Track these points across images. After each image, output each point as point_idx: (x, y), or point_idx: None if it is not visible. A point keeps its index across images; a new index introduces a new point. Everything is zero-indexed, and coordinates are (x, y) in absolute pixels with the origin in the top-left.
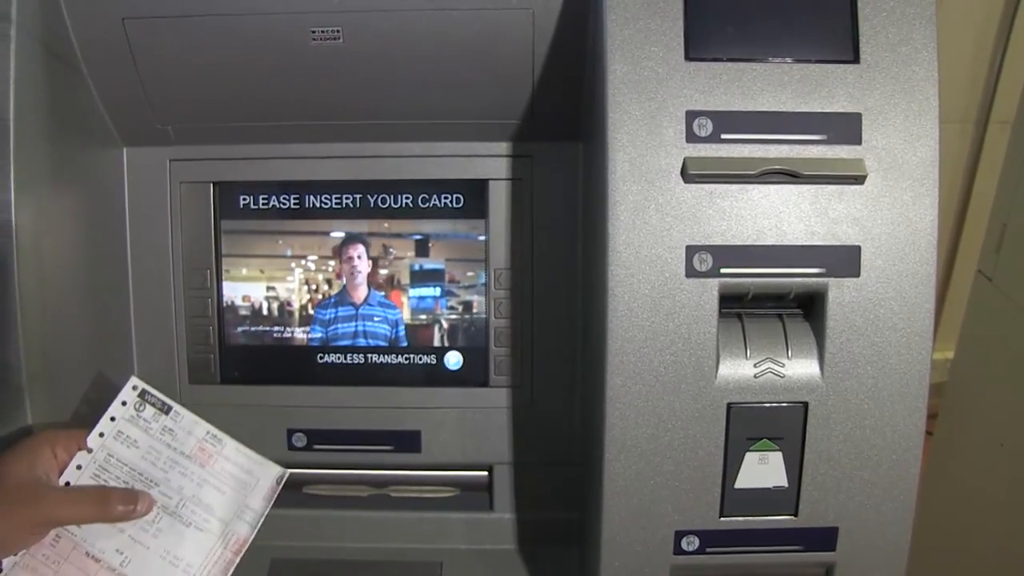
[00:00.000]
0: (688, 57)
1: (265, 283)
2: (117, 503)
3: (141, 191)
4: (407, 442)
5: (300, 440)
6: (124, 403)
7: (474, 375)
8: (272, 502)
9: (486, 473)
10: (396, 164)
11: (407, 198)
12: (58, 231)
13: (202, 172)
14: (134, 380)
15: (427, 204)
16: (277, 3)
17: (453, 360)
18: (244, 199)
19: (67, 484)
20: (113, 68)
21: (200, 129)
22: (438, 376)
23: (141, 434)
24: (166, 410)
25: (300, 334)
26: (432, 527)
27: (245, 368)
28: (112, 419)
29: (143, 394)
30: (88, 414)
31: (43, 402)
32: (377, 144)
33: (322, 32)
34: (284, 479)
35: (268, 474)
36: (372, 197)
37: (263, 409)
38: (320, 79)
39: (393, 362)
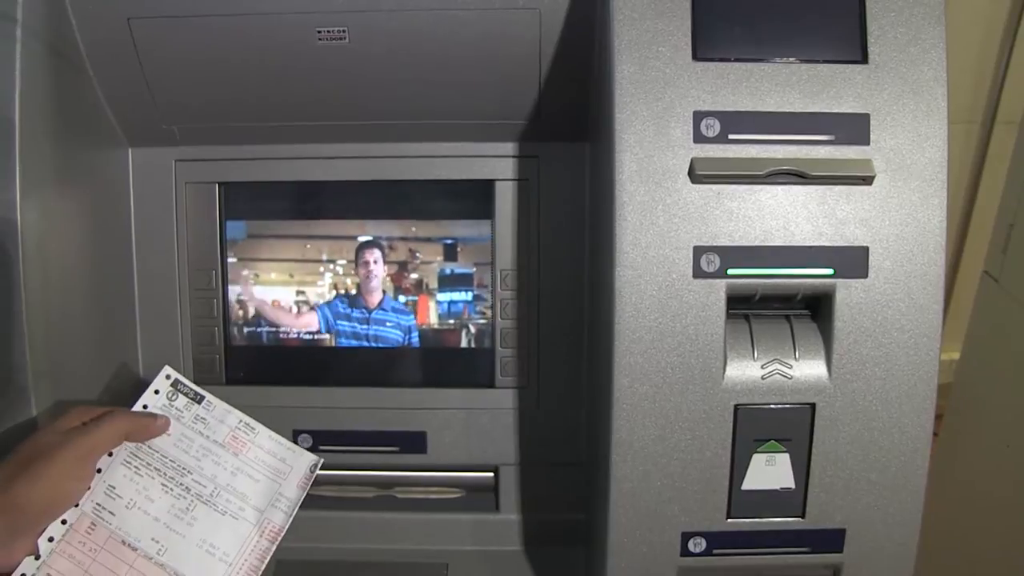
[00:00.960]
0: (696, 57)
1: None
2: (138, 416)
3: (146, 191)
4: (413, 443)
5: (306, 441)
6: (157, 392)
7: (480, 376)
8: (307, 490)
9: (492, 474)
10: (402, 164)
11: (413, 199)
12: (63, 231)
13: (208, 172)
14: (167, 369)
15: (433, 204)
16: (283, 3)
17: (459, 361)
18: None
19: (98, 471)
20: (118, 68)
21: (205, 129)
22: (444, 377)
23: (174, 423)
24: (198, 399)
25: (306, 335)
26: (438, 528)
27: (250, 369)
28: (144, 407)
29: (176, 383)
30: None
31: (48, 401)
32: (383, 145)
33: (328, 32)
34: (318, 467)
35: (302, 462)
36: (379, 198)
37: (268, 410)
38: (326, 79)
39: (399, 363)
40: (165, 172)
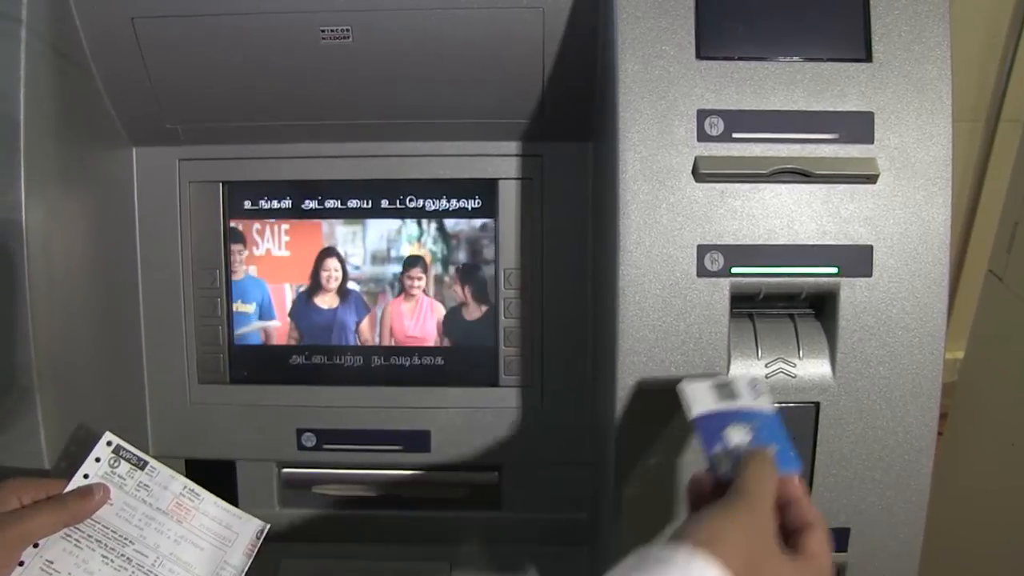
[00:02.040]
0: (699, 56)
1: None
2: (74, 500)
3: (150, 191)
4: (417, 442)
5: (309, 440)
6: (98, 459)
7: (484, 375)
8: (252, 557)
9: (496, 473)
10: (405, 163)
11: (416, 197)
12: (68, 231)
13: (211, 172)
14: (108, 436)
15: (437, 203)
16: (286, 2)
17: (462, 360)
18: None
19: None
20: (122, 67)
21: (210, 128)
22: (448, 376)
23: (116, 491)
24: (141, 465)
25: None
26: (441, 527)
27: (254, 368)
28: (85, 476)
29: (118, 449)
30: (98, 414)
31: (53, 402)
32: (386, 143)
33: (332, 31)
34: (264, 533)
35: (248, 528)
36: (381, 196)
37: (272, 409)
38: (329, 78)
39: (403, 362)
40: (169, 171)
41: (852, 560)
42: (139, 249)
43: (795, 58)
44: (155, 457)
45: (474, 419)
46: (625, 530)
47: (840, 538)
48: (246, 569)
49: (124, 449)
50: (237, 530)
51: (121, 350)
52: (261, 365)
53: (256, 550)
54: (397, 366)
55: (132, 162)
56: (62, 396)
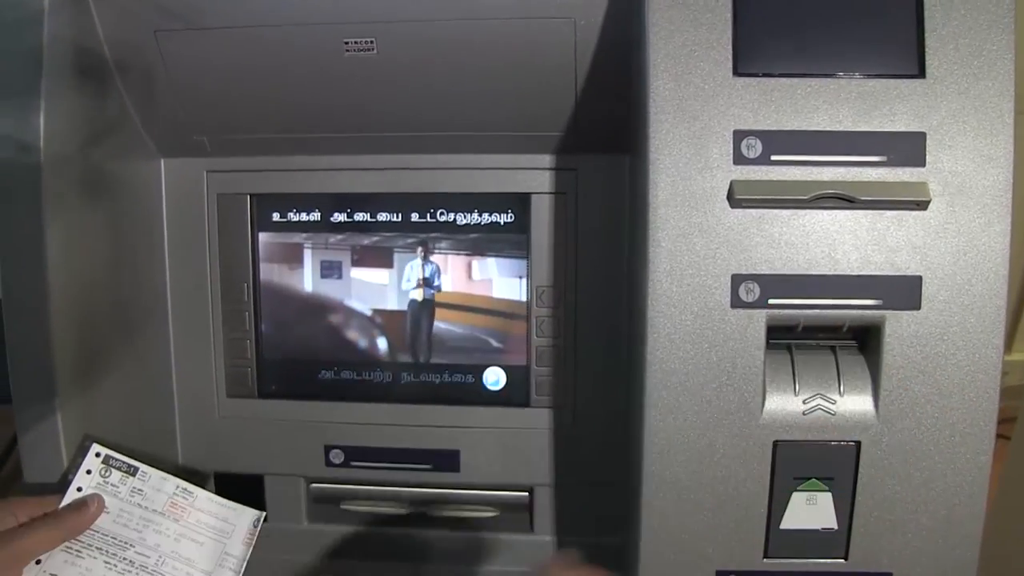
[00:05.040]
0: (736, 72)
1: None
2: (69, 515)
3: (178, 202)
4: (446, 461)
5: (337, 456)
6: (89, 471)
7: (515, 395)
8: (252, 545)
9: (526, 494)
10: (436, 177)
11: (447, 211)
12: (92, 243)
13: (239, 184)
14: (96, 447)
15: (468, 219)
16: (310, 14)
17: (493, 379)
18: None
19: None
20: (146, 80)
21: (236, 140)
22: (478, 395)
23: (111, 499)
24: (132, 471)
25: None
26: (471, 547)
27: (283, 382)
28: (79, 489)
29: (107, 459)
30: (125, 429)
31: (76, 417)
32: (416, 156)
33: (355, 43)
34: (261, 521)
35: (244, 518)
36: (411, 210)
37: (301, 424)
38: (354, 90)
39: (433, 379)
40: (197, 183)
41: None
42: (167, 261)
43: (840, 74)
44: (184, 470)
45: (504, 439)
46: (651, 566)
47: None
48: (247, 557)
49: (113, 458)
50: (233, 522)
51: (149, 364)
52: (290, 379)
53: (255, 539)
54: (427, 383)
55: (160, 174)
56: (87, 410)
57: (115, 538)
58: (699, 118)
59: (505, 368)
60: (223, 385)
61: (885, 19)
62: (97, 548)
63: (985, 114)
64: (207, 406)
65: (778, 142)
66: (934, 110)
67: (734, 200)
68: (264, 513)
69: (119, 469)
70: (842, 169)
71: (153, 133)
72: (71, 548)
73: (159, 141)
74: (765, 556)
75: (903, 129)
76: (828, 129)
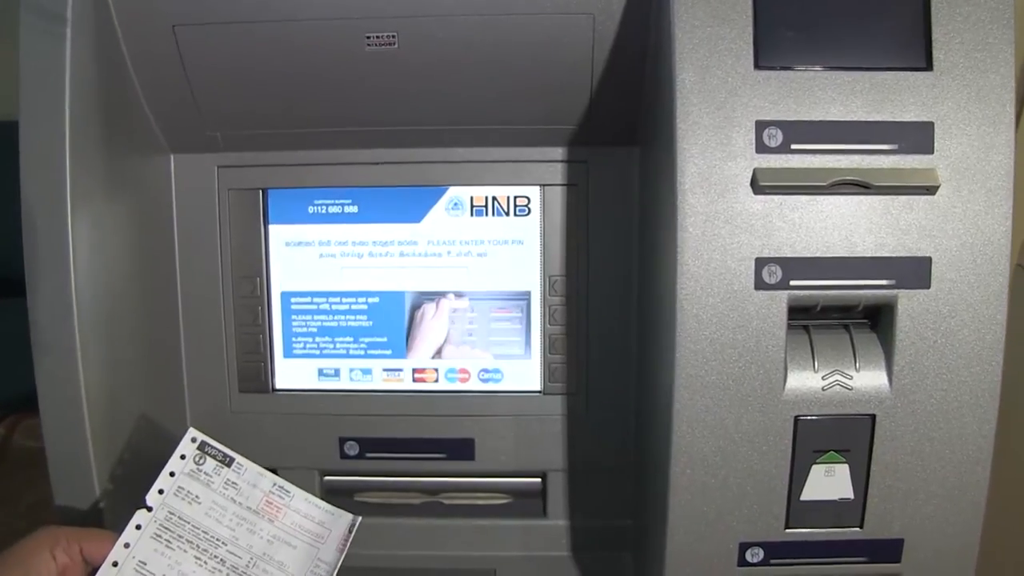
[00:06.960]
0: (757, 65)
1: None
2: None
3: (189, 198)
4: (461, 450)
5: (352, 448)
6: (183, 456)
7: (528, 383)
8: (345, 552)
9: (540, 480)
10: (449, 169)
11: (460, 203)
12: (112, 240)
13: (251, 179)
14: (192, 432)
15: (480, 210)
16: (331, 8)
17: (507, 368)
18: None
19: (126, 545)
20: (163, 75)
21: (249, 135)
22: (492, 384)
23: (203, 489)
24: (228, 462)
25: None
26: (485, 534)
27: (295, 376)
28: (171, 474)
29: (203, 446)
30: (139, 424)
31: (99, 412)
32: (429, 150)
33: (377, 38)
34: (356, 526)
35: (340, 523)
36: (424, 202)
37: (314, 417)
38: (373, 85)
39: (445, 369)
40: (208, 178)
41: (906, 571)
42: (178, 256)
43: (854, 67)
44: None
45: (518, 427)
46: (678, 540)
47: (894, 549)
48: (339, 565)
49: (209, 445)
50: (329, 526)
51: (161, 359)
52: (302, 373)
53: (348, 545)
54: (440, 373)
55: (171, 169)
56: (107, 405)
57: (207, 532)
58: (723, 109)
59: (515, 357)
60: (235, 380)
61: (895, 16)
62: (188, 541)
63: (988, 104)
64: (219, 401)
65: (798, 131)
66: (941, 101)
67: (757, 187)
68: (360, 518)
69: (214, 457)
70: (857, 157)
71: (165, 128)
72: (161, 536)
73: (171, 137)
74: (786, 527)
75: (913, 119)
76: (843, 119)
